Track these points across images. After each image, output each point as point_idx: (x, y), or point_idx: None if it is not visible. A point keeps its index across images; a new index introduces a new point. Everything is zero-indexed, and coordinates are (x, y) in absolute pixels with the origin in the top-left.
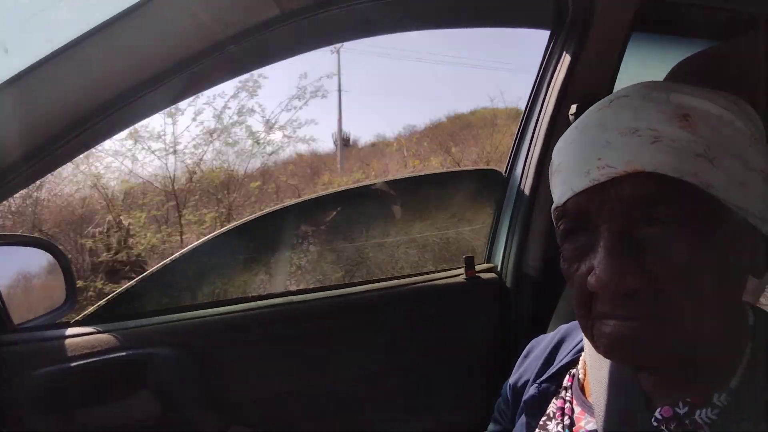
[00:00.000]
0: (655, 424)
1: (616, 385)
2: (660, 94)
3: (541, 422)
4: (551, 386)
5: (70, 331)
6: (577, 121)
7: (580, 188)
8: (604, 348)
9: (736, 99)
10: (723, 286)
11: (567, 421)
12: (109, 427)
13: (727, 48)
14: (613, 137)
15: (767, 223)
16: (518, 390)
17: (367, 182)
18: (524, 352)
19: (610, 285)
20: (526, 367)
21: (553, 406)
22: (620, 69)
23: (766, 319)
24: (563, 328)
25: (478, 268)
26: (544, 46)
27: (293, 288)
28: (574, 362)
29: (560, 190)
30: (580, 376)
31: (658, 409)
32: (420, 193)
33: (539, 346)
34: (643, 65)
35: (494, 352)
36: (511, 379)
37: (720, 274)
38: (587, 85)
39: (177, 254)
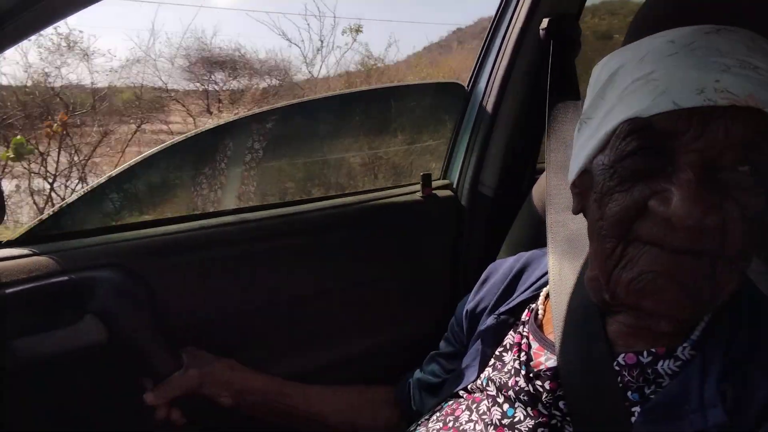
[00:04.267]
0: (617, 368)
1: (580, 326)
2: (763, 43)
3: (497, 353)
4: (509, 318)
5: (2, 252)
6: (661, 33)
7: (687, 105)
8: (632, 275)
9: None
10: (759, 243)
11: (524, 357)
12: (52, 355)
13: None
14: (732, 64)
15: None
16: (475, 316)
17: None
18: (482, 277)
19: (686, 219)
20: (484, 294)
21: (510, 338)
22: None
23: None
24: (524, 255)
25: (433, 184)
26: None
27: (243, 205)
28: (534, 297)
29: (647, 102)
30: (540, 312)
31: (621, 355)
32: (378, 106)
33: (498, 272)
34: None
35: (448, 270)
36: (469, 305)
37: (763, 230)
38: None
39: (120, 168)
